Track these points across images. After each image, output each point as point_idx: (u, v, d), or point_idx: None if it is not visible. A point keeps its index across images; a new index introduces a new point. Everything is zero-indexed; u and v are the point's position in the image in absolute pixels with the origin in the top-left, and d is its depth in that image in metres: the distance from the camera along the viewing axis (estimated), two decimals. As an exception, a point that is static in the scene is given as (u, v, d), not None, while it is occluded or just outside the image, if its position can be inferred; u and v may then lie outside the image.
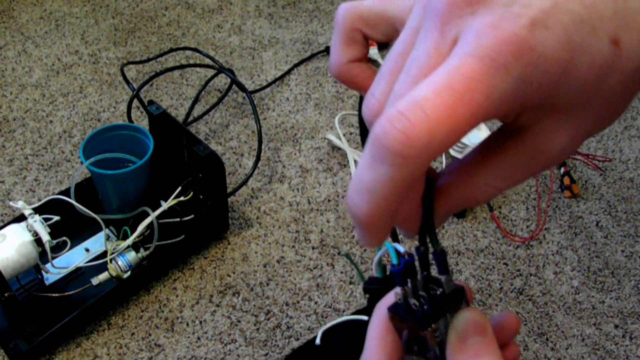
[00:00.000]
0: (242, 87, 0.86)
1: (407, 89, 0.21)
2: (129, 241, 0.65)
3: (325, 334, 0.60)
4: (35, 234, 0.59)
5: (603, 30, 0.19)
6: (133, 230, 0.65)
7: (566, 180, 0.82)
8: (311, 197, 0.79)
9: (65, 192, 0.66)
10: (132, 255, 0.65)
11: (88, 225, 0.69)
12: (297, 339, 0.66)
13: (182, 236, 0.69)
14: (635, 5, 0.19)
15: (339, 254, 0.73)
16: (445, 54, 0.20)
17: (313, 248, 0.74)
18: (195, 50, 0.96)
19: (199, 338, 0.65)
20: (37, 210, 0.62)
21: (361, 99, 0.26)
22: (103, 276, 0.64)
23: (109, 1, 1.08)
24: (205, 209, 0.69)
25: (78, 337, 0.65)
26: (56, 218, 0.62)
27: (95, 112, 0.88)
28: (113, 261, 0.64)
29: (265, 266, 0.72)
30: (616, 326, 0.69)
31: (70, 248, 0.66)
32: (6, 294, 0.57)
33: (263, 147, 0.85)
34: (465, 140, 0.81)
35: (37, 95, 0.90)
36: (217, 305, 0.68)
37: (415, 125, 0.18)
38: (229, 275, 0.71)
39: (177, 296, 0.69)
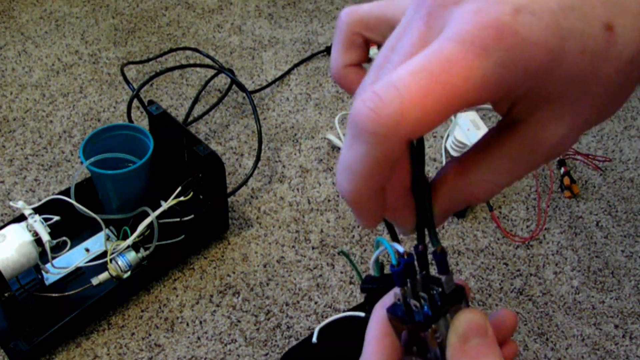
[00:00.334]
0: (242, 87, 0.86)
1: (389, 74, 0.21)
2: (129, 241, 0.65)
3: (321, 331, 0.60)
4: (35, 234, 0.59)
5: (595, 16, 0.19)
6: (133, 230, 0.65)
7: (566, 180, 0.82)
8: (311, 197, 0.79)
9: (65, 192, 0.66)
10: (132, 255, 0.65)
11: (88, 225, 0.69)
12: (297, 339, 0.66)
13: (182, 236, 0.69)
14: None
15: (339, 253, 0.73)
16: (430, 42, 0.20)
17: (313, 248, 0.74)
18: (195, 50, 0.96)
19: (199, 338, 0.65)
20: (37, 210, 0.62)
21: None
22: (103, 276, 0.64)
23: (109, 1, 1.08)
24: (205, 209, 0.69)
25: (78, 337, 0.65)
26: (56, 218, 0.62)
27: (95, 112, 0.88)
28: (113, 261, 0.64)
29: (265, 266, 0.72)
30: (616, 326, 0.69)
31: (70, 248, 0.66)
32: (6, 294, 0.57)
33: (263, 147, 0.85)
34: (465, 140, 0.81)
35: (37, 95, 0.90)
36: (217, 305, 0.68)
37: (387, 104, 0.19)
38: (229, 275, 0.71)
39: (177, 296, 0.69)
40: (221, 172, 0.67)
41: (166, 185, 0.69)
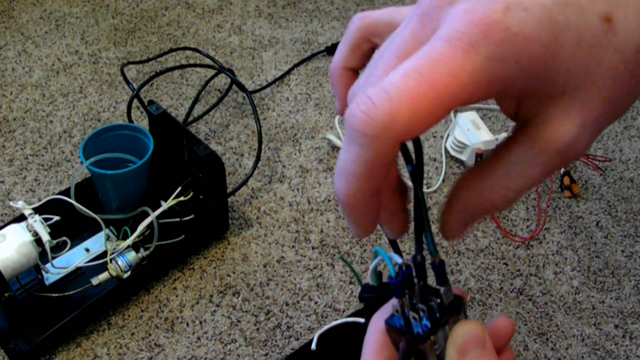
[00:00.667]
0: (242, 87, 0.86)
1: (381, 71, 0.22)
2: (129, 241, 0.65)
3: (321, 337, 0.60)
4: (35, 234, 0.59)
5: (591, 9, 0.19)
6: (133, 230, 0.65)
7: (566, 180, 0.82)
8: (311, 197, 0.79)
9: (65, 192, 0.66)
10: (132, 255, 0.65)
11: (88, 225, 0.69)
12: (297, 339, 0.66)
13: (182, 236, 0.69)
14: None
15: (338, 259, 0.73)
16: (423, 42, 0.20)
17: (313, 248, 0.74)
18: (195, 50, 0.96)
19: (199, 338, 0.65)
20: (37, 210, 0.62)
21: None
22: (103, 276, 0.64)
23: (109, 1, 1.08)
24: (205, 209, 0.69)
25: (78, 337, 0.65)
26: (56, 218, 0.62)
27: (95, 112, 0.88)
28: (113, 261, 0.64)
29: (265, 266, 0.72)
30: (616, 326, 0.69)
31: (70, 248, 0.65)
32: (6, 294, 0.57)
33: (263, 147, 0.85)
34: (465, 140, 0.81)
35: (37, 95, 0.90)
36: (217, 305, 0.68)
37: (378, 107, 0.19)
38: (229, 275, 0.71)
39: (177, 296, 0.69)
40: (221, 172, 0.67)
41: (166, 185, 0.69)
